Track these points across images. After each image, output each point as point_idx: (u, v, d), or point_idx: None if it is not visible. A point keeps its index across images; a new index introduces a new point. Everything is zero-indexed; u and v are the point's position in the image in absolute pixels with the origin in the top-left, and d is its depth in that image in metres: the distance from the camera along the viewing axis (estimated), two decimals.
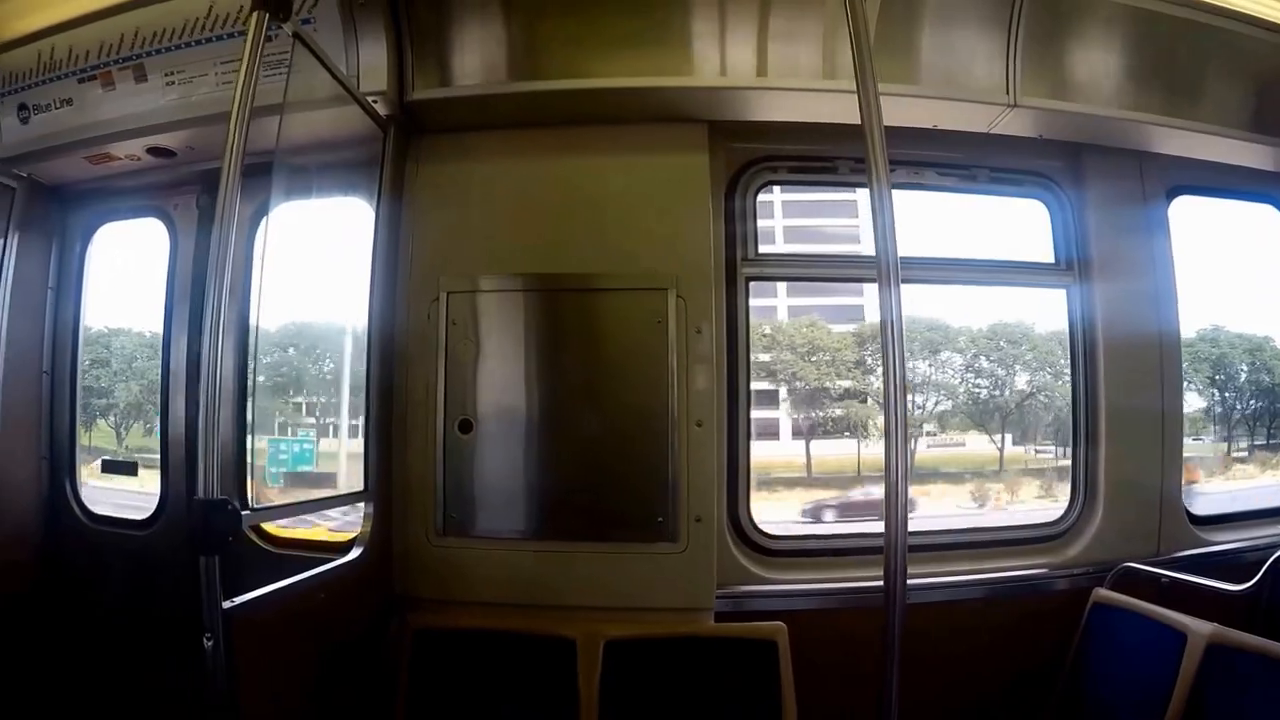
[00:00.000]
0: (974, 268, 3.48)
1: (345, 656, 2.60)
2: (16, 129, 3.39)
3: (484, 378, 2.97)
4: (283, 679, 2.18)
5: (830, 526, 3.48)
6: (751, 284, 3.24)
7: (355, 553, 2.73)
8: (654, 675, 2.74)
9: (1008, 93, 2.91)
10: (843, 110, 2.69)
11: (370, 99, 2.82)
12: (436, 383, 2.95)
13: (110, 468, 3.60)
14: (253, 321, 2.69)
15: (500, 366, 2.99)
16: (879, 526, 2.02)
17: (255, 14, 2.07)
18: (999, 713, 3.03)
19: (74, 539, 3.61)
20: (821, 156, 3.31)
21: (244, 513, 2.11)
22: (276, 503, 3.51)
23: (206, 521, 1.85)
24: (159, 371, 3.48)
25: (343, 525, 3.29)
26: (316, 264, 3.05)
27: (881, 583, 2.02)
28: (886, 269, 2.08)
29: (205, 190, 3.41)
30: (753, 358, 3.29)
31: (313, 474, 3.24)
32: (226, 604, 1.90)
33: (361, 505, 2.84)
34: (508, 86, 2.89)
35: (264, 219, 3.27)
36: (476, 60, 2.93)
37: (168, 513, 3.40)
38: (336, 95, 2.64)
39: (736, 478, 3.13)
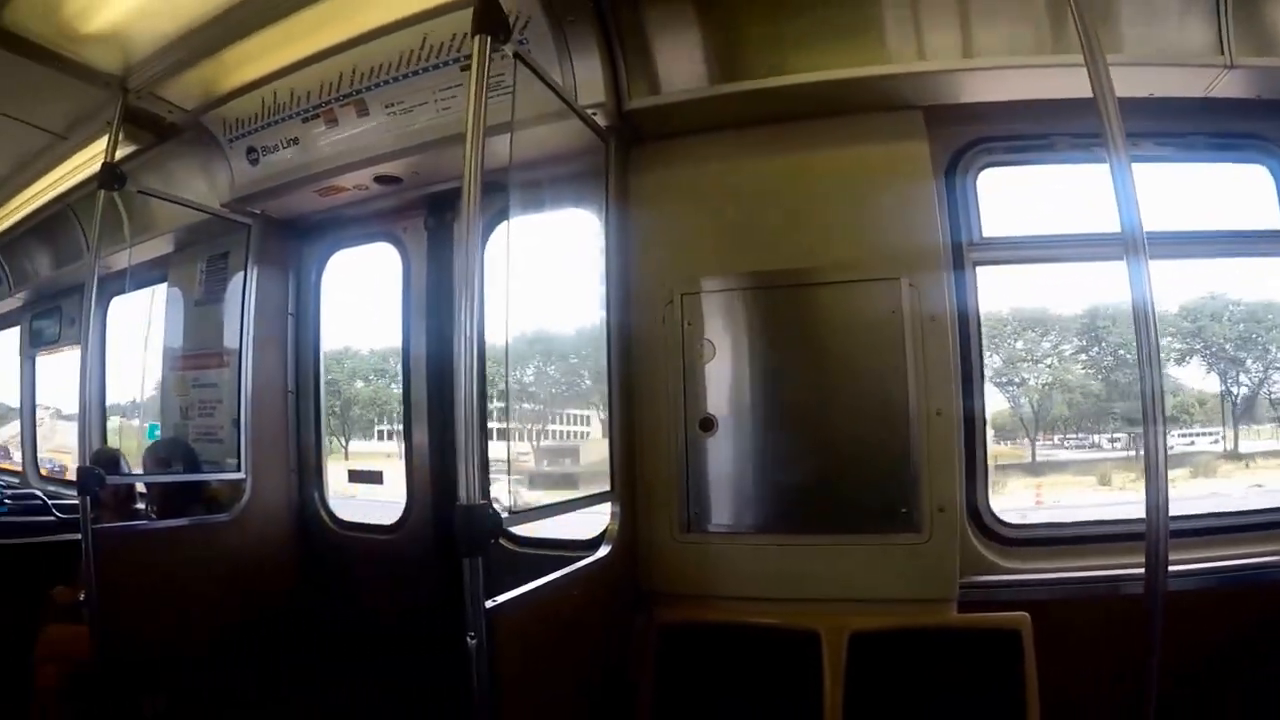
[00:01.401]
0: (1214, 240, 3.17)
1: (593, 652, 2.68)
2: (247, 171, 3.69)
3: (721, 376, 2.97)
4: (537, 675, 2.25)
5: (1074, 513, 3.32)
6: (979, 269, 3.08)
7: (603, 551, 2.80)
8: (897, 667, 2.69)
9: (1223, 53, 2.63)
10: (1058, 85, 2.61)
11: (589, 111, 2.85)
12: (676, 383, 2.98)
13: (356, 477, 3.87)
14: (498, 332, 2.75)
15: (737, 364, 2.98)
16: (1126, 513, 1.91)
17: (478, 38, 2.11)
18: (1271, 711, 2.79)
19: (324, 545, 3.94)
20: (1037, 134, 3.11)
21: (504, 515, 2.15)
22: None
23: (470, 524, 1.91)
24: (399, 386, 3.70)
25: None
26: (550, 275, 3.14)
27: (1132, 570, 1.91)
28: (1134, 244, 1.99)
29: (432, 212, 3.61)
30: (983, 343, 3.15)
31: (559, 474, 3.38)
32: (489, 603, 1.96)
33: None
34: (721, 89, 2.85)
35: (489, 236, 3.40)
36: (684, 66, 2.90)
37: (413, 519, 3.64)
38: (557, 111, 2.68)
39: (974, 466, 3.01)
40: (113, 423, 6.15)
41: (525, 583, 2.16)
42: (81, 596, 3.65)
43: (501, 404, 3.60)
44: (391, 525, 3.71)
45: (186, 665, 3.29)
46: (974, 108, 2.97)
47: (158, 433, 6.98)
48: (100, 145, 3.89)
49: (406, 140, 3.18)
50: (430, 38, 2.94)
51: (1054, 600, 2.81)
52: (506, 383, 2.71)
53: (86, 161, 4.17)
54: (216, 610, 3.48)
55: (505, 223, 2.89)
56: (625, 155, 3.05)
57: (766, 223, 2.95)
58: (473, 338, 2.00)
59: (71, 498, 4.85)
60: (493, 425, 3.54)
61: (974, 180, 3.11)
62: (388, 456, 4.28)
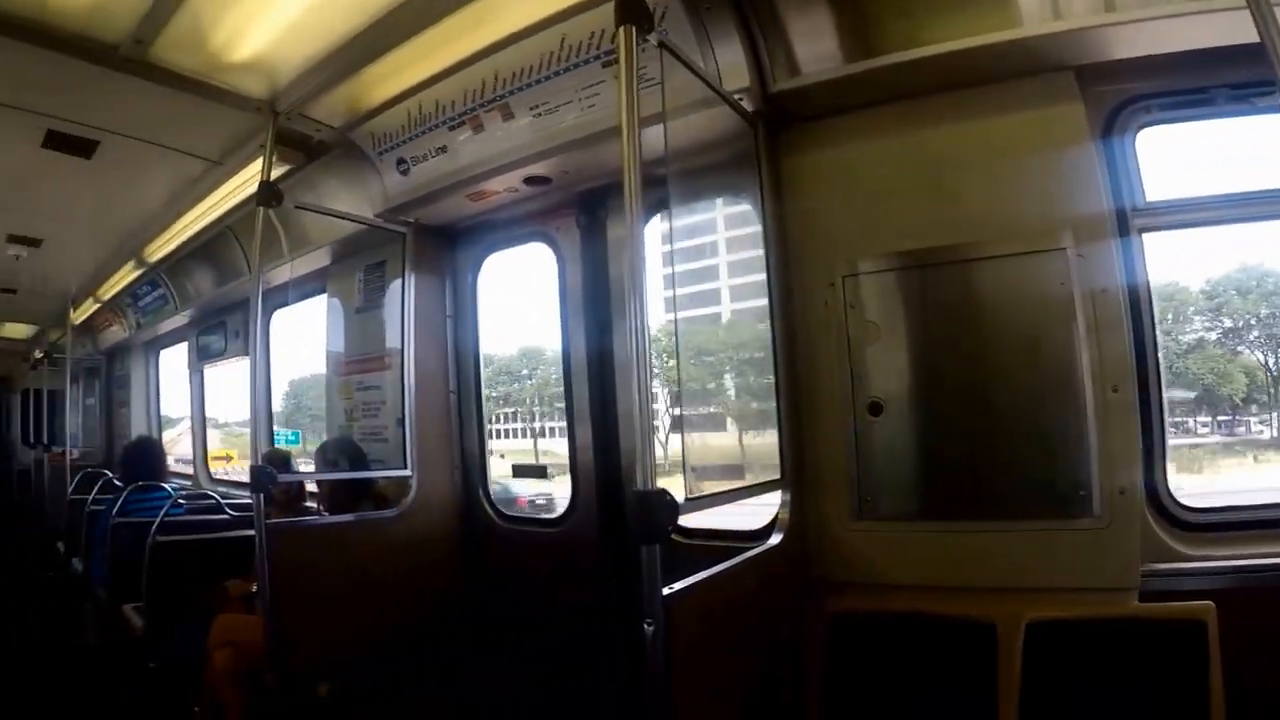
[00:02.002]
0: None
1: (763, 640, 2.67)
2: (398, 181, 3.84)
3: (888, 358, 2.91)
4: (709, 662, 2.26)
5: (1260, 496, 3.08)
6: (1145, 236, 2.93)
7: (775, 539, 2.81)
8: (1074, 659, 2.57)
9: None
10: (1217, 33, 2.45)
11: (736, 97, 2.83)
12: (841, 367, 2.94)
13: (521, 471, 3.99)
14: (656, 326, 2.82)
15: (903, 345, 2.91)
16: None
17: (622, 29, 2.13)
18: None
19: (488, 538, 4.07)
20: (1196, 89, 2.90)
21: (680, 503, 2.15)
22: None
23: (647, 512, 1.94)
24: (560, 382, 3.79)
25: None
26: (708, 265, 3.16)
27: None
28: None
29: (583, 210, 3.67)
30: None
31: (728, 465, 3.39)
32: (665, 590, 1.99)
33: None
34: (863, 65, 2.78)
35: (643, 229, 3.50)
36: (821, 45, 2.85)
37: (577, 512, 3.72)
38: (703, 99, 2.68)
39: (1152, 446, 2.85)
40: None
41: (686, 575, 2.17)
42: (254, 588, 3.88)
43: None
44: (556, 518, 3.83)
45: (355, 653, 3.46)
46: (1126, 64, 2.78)
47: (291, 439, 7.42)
48: (254, 168, 4.12)
49: (553, 140, 3.23)
50: (569, 38, 2.98)
51: (1241, 589, 2.64)
52: (678, 372, 2.73)
53: (242, 184, 4.41)
54: (384, 601, 3.63)
55: (659, 215, 2.96)
56: (774, 139, 3.02)
57: (922, 199, 2.88)
58: (640, 328, 2.03)
59: (241, 498, 5.17)
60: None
61: (1133, 142, 2.95)
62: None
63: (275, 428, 8.88)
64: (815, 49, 2.85)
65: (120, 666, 4.82)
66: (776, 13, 2.83)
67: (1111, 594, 2.64)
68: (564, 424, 3.84)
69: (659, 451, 3.08)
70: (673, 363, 2.88)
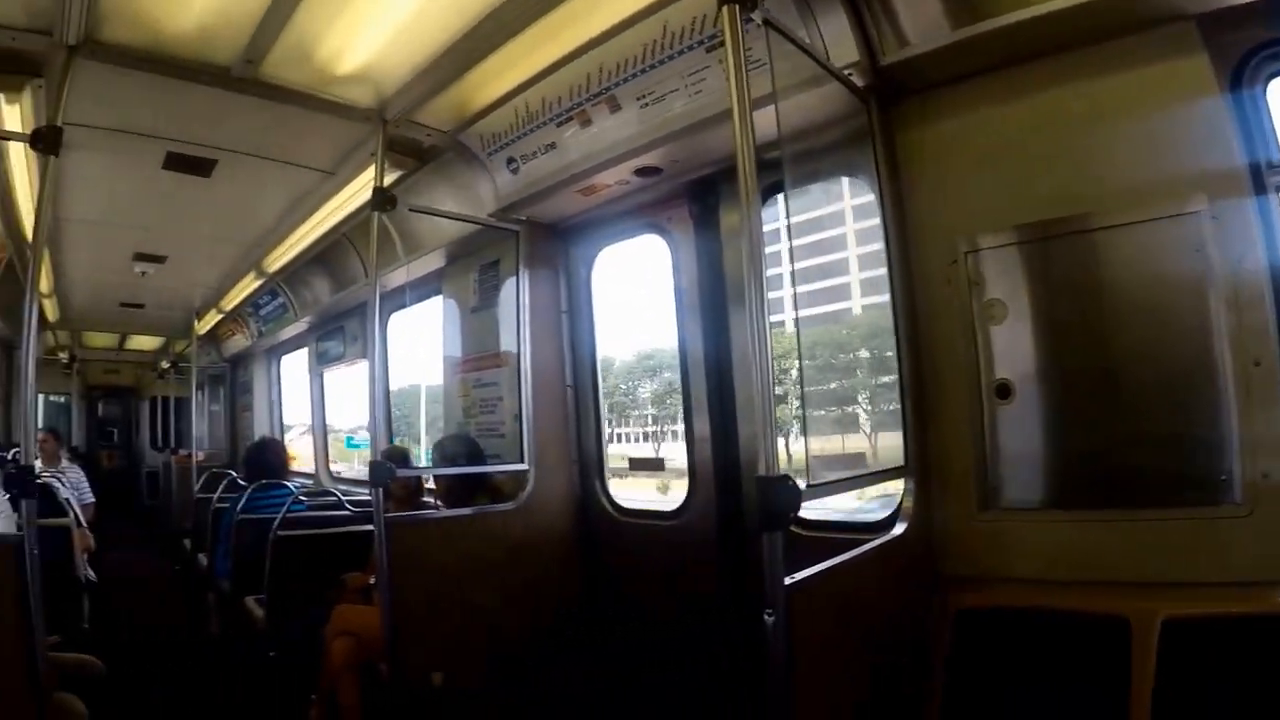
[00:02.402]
0: None
1: (885, 633, 2.59)
2: (509, 180, 3.89)
3: (1015, 337, 2.76)
4: (831, 654, 2.22)
5: None
6: None
7: (898, 530, 2.72)
8: (1213, 658, 2.37)
9: None
10: None
11: (845, 72, 2.74)
12: (966, 349, 2.81)
13: (638, 465, 4.01)
14: (786, 312, 2.76)
15: (1029, 322, 2.76)
16: None
17: (726, 9, 2.09)
18: None
19: (605, 531, 4.09)
20: None
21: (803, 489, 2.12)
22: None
23: (770, 499, 1.91)
24: (677, 375, 3.78)
25: None
26: (823, 247, 3.09)
27: None
28: None
29: (694, 198, 3.64)
30: None
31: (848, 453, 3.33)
32: (788, 580, 1.95)
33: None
34: (974, 29, 2.60)
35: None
36: (926, 13, 2.69)
37: (694, 505, 3.70)
38: (812, 77, 2.60)
39: None
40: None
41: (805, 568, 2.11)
42: (371, 580, 4.00)
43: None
44: (672, 511, 3.80)
45: (470, 645, 3.53)
46: (1251, 9, 2.49)
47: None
48: (366, 176, 4.25)
49: (662, 129, 3.22)
50: (670, 25, 2.95)
51: None
52: (799, 359, 2.67)
53: (356, 192, 4.57)
54: (500, 593, 3.68)
55: (774, 199, 2.91)
56: (887, 115, 2.92)
57: (1043, 167, 2.72)
58: (762, 314, 2.00)
59: (359, 495, 5.34)
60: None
61: (1263, 94, 2.66)
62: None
63: (364, 435, 9.25)
64: (922, 17, 2.69)
65: (241, 655, 5.04)
66: None
67: (1255, 588, 2.40)
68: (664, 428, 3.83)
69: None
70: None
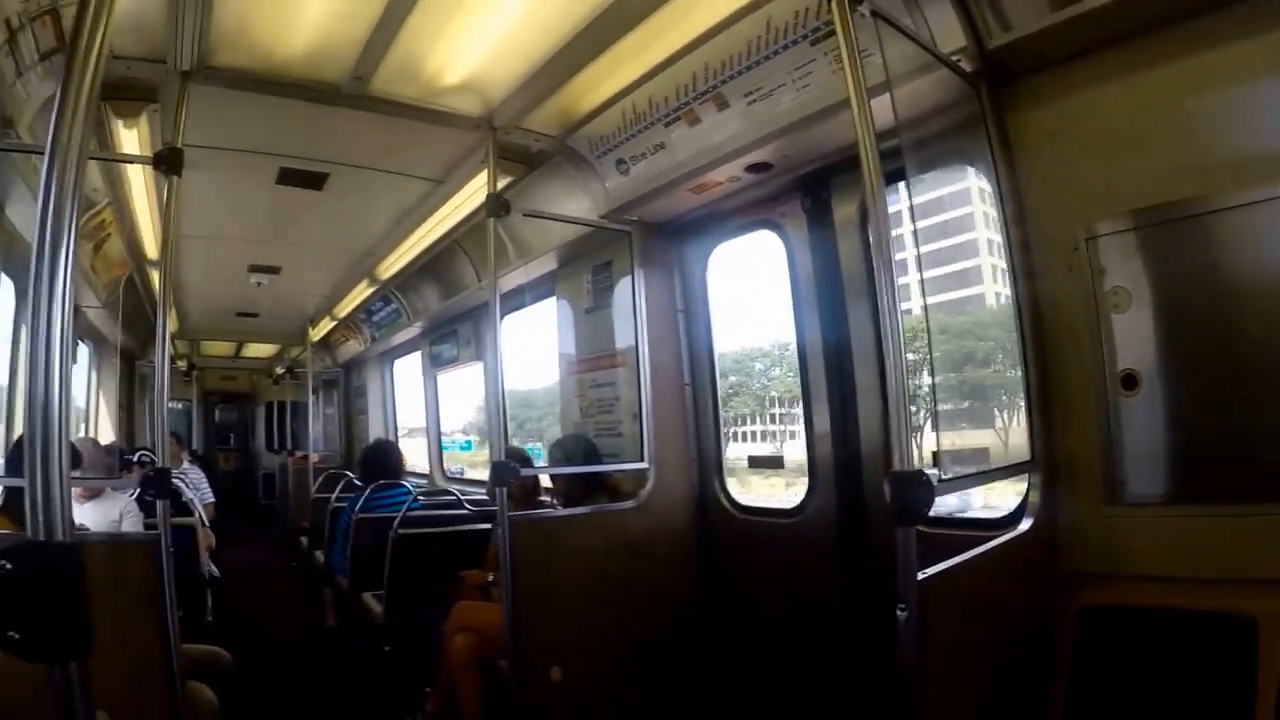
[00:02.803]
0: None
1: (1008, 630, 2.53)
2: (619, 181, 3.92)
3: (1139, 325, 2.61)
4: (958, 650, 2.18)
5: None
6: None
7: (1024, 525, 2.66)
8: None
9: None
10: None
11: (954, 58, 2.67)
12: (1091, 338, 2.67)
13: (756, 463, 4.00)
14: (912, 304, 2.58)
15: (1155, 310, 2.59)
16: None
17: (835, 2, 2.08)
18: None
19: (724, 529, 4.08)
20: None
21: (937, 483, 2.09)
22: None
23: (904, 494, 1.90)
24: (796, 371, 3.75)
25: None
26: (940, 238, 3.01)
27: None
28: None
29: (807, 193, 3.59)
30: None
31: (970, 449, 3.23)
32: (921, 575, 1.93)
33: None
34: (1082, 5, 2.45)
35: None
36: None
37: (814, 503, 3.66)
38: (921, 65, 2.56)
39: None
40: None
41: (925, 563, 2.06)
42: (490, 578, 4.10)
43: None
44: (792, 509, 3.76)
45: (589, 641, 3.55)
46: None
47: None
48: (476, 183, 4.38)
49: (771, 125, 3.18)
50: (774, 19, 2.91)
51: None
52: (929, 349, 2.60)
53: (466, 199, 4.68)
54: (619, 591, 3.71)
55: (892, 189, 2.85)
56: (998, 99, 2.82)
57: (1166, 145, 2.55)
58: (893, 304, 1.97)
59: (474, 494, 5.48)
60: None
61: None
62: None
63: (459, 437, 9.49)
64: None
65: (358, 649, 5.23)
66: None
67: None
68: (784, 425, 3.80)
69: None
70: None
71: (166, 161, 2.82)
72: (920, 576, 1.95)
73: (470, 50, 3.24)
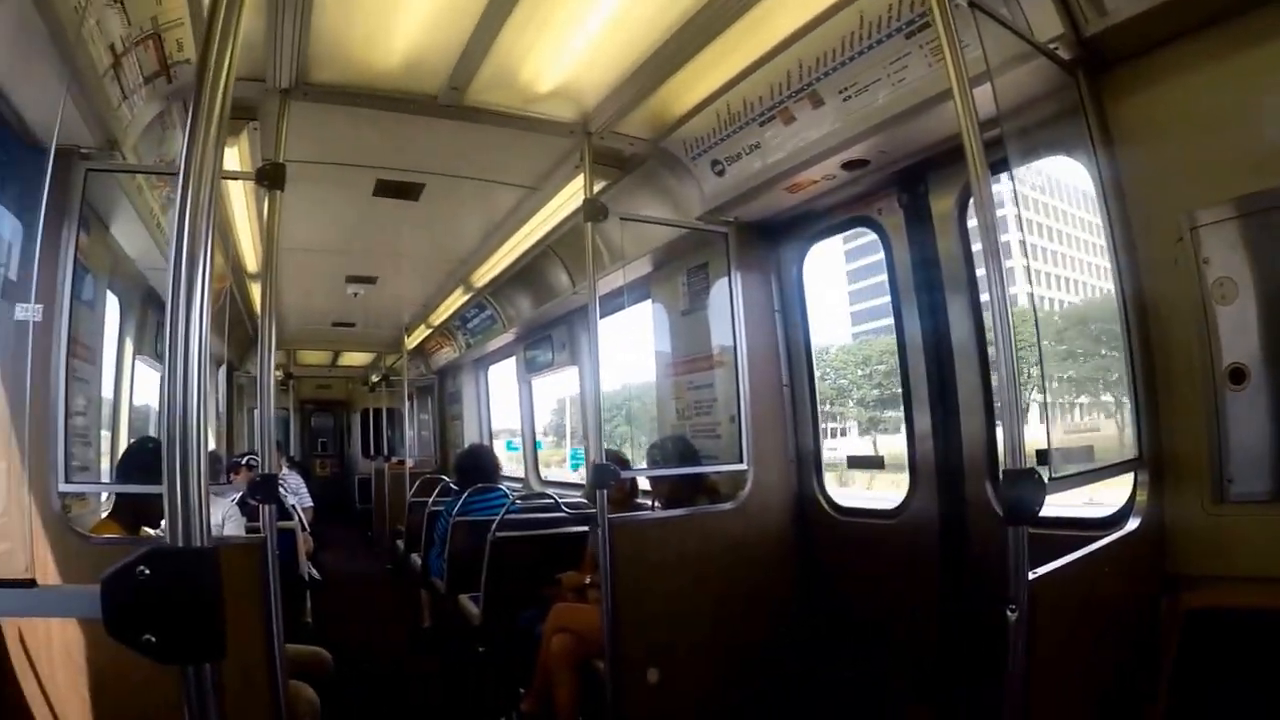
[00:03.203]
0: None
1: (1114, 631, 2.47)
2: (715, 183, 3.93)
3: (1247, 317, 2.50)
4: (1066, 652, 2.14)
5: None
6: None
7: (1131, 525, 2.59)
8: None
9: None
10: None
11: (1051, 46, 2.61)
12: (1198, 331, 2.57)
13: (856, 463, 3.95)
14: (1022, 300, 2.56)
15: (1263, 302, 2.48)
16: None
17: None
18: None
19: (823, 530, 4.04)
20: None
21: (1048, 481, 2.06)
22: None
23: (1016, 491, 1.89)
24: (896, 369, 3.70)
25: None
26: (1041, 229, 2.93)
27: None
28: None
29: (904, 188, 3.55)
30: None
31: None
32: (1031, 575, 1.91)
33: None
34: None
35: (967, 203, 3.35)
36: None
37: (914, 504, 3.60)
38: (1016, 55, 2.51)
39: None
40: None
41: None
42: (587, 580, 4.13)
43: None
44: (892, 510, 3.71)
45: (687, 643, 3.55)
46: None
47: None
48: (570, 188, 4.42)
49: (867, 121, 3.15)
50: (866, 14, 2.88)
51: None
52: (1038, 342, 2.53)
53: (561, 205, 4.74)
54: (717, 592, 3.70)
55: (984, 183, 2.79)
56: (1097, 86, 2.73)
57: (1271, 130, 2.42)
58: (1002, 297, 1.94)
59: (570, 497, 5.54)
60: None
61: None
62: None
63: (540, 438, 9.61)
64: None
65: (454, 650, 5.33)
66: None
67: None
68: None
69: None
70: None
71: (269, 177, 2.93)
72: (1037, 574, 1.94)
73: (564, 57, 3.28)
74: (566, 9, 2.96)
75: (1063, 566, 2.14)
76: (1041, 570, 1.98)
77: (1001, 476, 1.95)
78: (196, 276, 1.19)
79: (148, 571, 1.13)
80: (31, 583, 1.26)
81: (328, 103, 3.43)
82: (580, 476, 8.69)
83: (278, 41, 2.95)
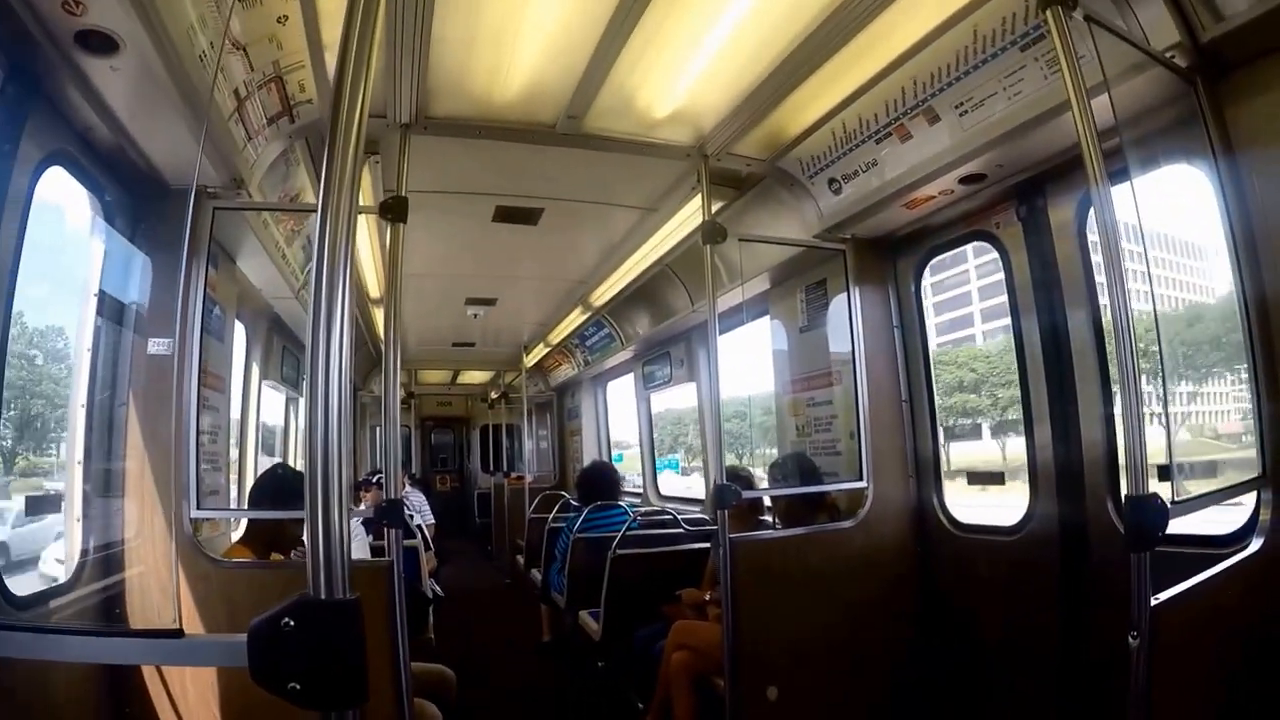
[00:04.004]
0: None
1: (1238, 659, 2.38)
2: (832, 200, 3.95)
3: None
4: (1188, 682, 2.10)
5: None
6: None
7: (1255, 545, 2.48)
8: None
9: None
10: None
11: (1168, 55, 2.53)
12: None
13: (976, 479, 3.87)
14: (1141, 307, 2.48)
15: None
16: None
17: (1049, 12, 2.08)
18: None
19: (942, 547, 3.98)
20: None
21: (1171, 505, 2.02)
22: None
23: (1139, 516, 1.87)
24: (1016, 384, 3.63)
25: None
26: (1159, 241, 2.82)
27: None
28: None
29: (1022, 200, 3.50)
30: None
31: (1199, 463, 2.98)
32: (1155, 600, 1.87)
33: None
34: None
35: (1087, 214, 3.29)
36: None
37: (1035, 520, 3.50)
38: (1133, 65, 2.48)
39: None
40: None
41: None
42: (708, 596, 4.16)
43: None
44: (1012, 527, 3.62)
45: (806, 661, 3.54)
46: None
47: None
48: (688, 209, 4.51)
49: (984, 135, 3.11)
50: (980, 28, 2.85)
51: None
52: (1161, 360, 2.44)
53: (679, 225, 4.82)
54: (836, 610, 3.68)
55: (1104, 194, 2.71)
56: (1214, 92, 2.64)
57: None
58: (1125, 312, 1.92)
59: (690, 512, 5.59)
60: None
61: None
62: None
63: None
64: None
65: (574, 665, 5.42)
66: None
67: None
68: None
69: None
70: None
71: (392, 210, 3.08)
72: (1159, 599, 1.91)
73: (680, 82, 3.35)
74: (680, 36, 3.03)
75: (1187, 590, 2.09)
76: (1164, 595, 1.95)
77: (1125, 501, 1.92)
78: (336, 309, 1.23)
79: (293, 623, 1.16)
80: (179, 633, 1.31)
81: (447, 135, 3.58)
82: (686, 486, 8.76)
83: (397, 78, 3.10)
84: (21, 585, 2.54)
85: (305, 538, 1.21)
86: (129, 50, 2.29)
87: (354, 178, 1.31)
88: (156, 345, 3.04)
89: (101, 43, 2.25)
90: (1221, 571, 2.33)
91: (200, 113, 2.64)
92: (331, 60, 3.02)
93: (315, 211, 1.28)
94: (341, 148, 1.31)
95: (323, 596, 1.18)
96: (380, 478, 6.22)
